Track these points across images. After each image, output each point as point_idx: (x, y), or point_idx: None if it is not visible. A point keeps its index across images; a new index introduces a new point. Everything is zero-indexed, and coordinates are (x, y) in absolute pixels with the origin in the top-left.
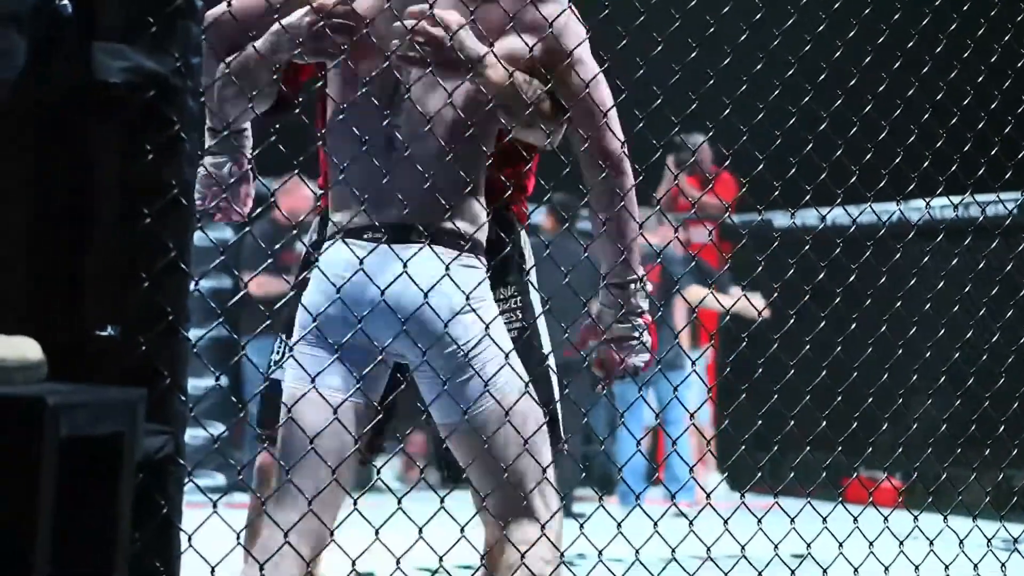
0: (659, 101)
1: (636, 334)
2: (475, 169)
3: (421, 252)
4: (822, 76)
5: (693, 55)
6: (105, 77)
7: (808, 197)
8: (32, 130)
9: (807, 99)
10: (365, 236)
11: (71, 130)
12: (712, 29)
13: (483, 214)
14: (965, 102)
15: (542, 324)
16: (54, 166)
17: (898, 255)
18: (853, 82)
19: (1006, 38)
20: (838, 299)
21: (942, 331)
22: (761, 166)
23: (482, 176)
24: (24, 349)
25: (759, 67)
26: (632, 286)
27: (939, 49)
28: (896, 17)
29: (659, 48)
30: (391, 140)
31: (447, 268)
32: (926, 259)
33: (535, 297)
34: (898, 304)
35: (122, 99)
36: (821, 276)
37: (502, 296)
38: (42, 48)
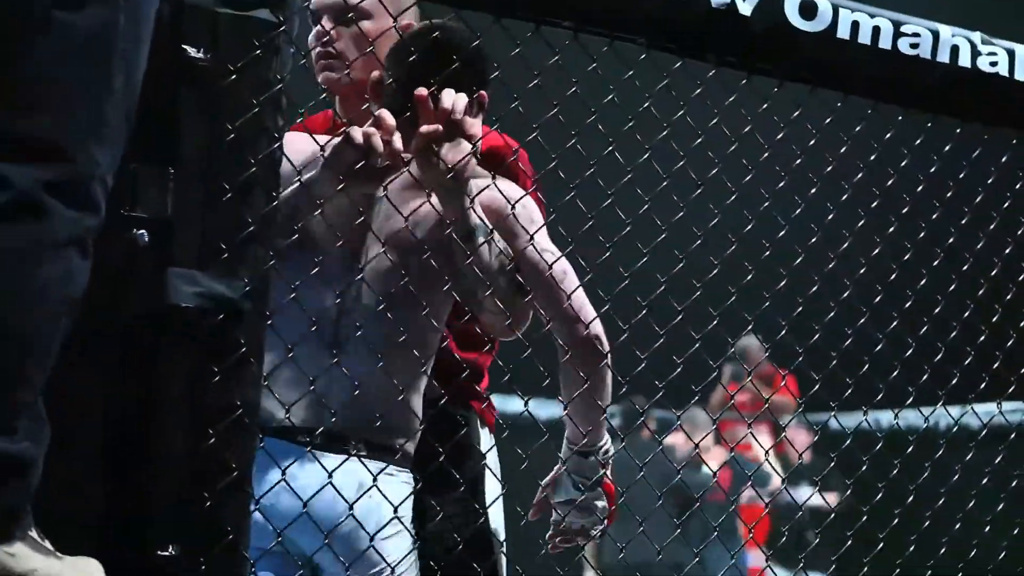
0: (697, 293)
1: (597, 502)
2: (426, 357)
3: (349, 463)
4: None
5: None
6: (178, 302)
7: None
8: (107, 351)
9: (879, 299)
10: (299, 440)
11: (143, 351)
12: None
13: (416, 421)
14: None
15: (500, 525)
16: (126, 386)
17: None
18: (893, 276)
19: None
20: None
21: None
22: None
23: (429, 365)
24: (89, 571)
25: (798, 261)
26: (596, 456)
27: (1008, 250)
28: (964, 221)
29: (698, 241)
30: (337, 329)
31: (374, 479)
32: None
33: (492, 498)
34: (971, 503)
35: (193, 322)
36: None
37: (455, 498)
38: (118, 274)
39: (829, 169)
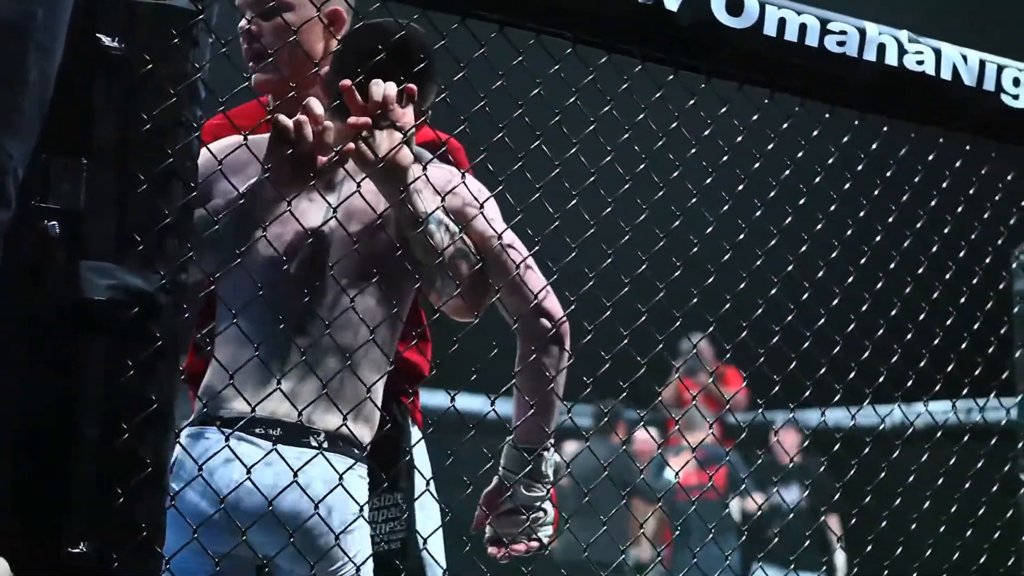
0: (660, 295)
1: (541, 505)
2: (388, 354)
3: (316, 459)
4: (820, 272)
5: (694, 250)
6: (91, 295)
7: (808, 394)
8: (18, 345)
9: (805, 296)
10: (257, 431)
11: (56, 345)
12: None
13: (377, 414)
14: (962, 300)
15: (431, 534)
16: (37, 380)
17: (895, 453)
18: (850, 279)
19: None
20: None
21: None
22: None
23: (391, 358)
24: None
25: (758, 263)
26: (544, 453)
27: (935, 248)
28: (891, 219)
29: (661, 242)
30: (305, 321)
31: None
32: (924, 457)
33: (423, 504)
34: (897, 501)
35: (106, 316)
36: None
37: (388, 503)
38: (30, 266)
39: (756, 166)
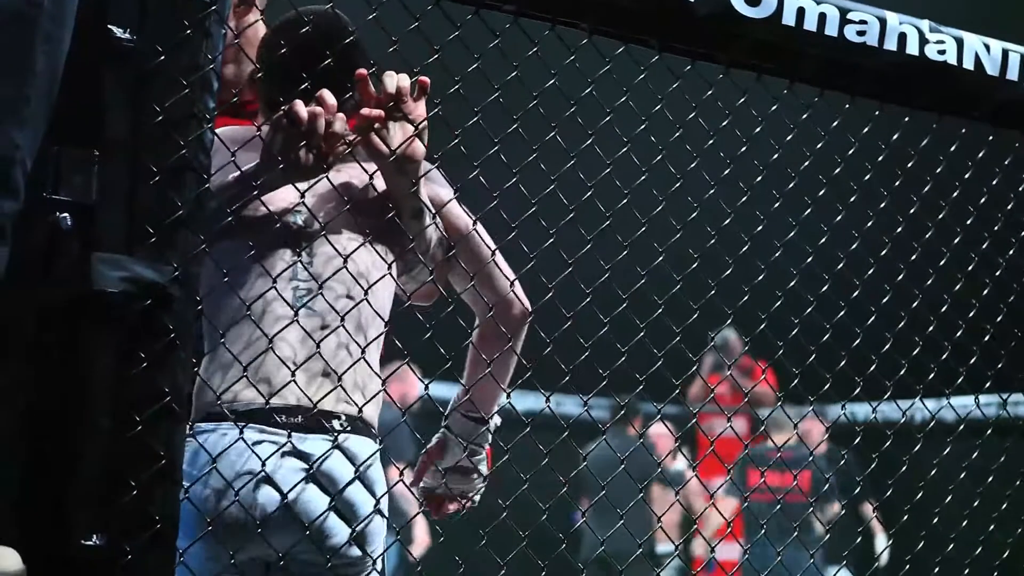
0: (678, 287)
1: (479, 467)
2: (384, 330)
3: (345, 443)
4: (839, 264)
5: (712, 242)
6: (102, 287)
7: (827, 387)
8: (30, 336)
9: (824, 288)
10: (282, 420)
11: (68, 337)
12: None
13: (381, 395)
14: (985, 292)
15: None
16: (49, 371)
17: (917, 446)
18: (870, 271)
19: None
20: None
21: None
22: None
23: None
24: (3, 560)
25: (778, 254)
26: (488, 424)
27: (956, 240)
28: (913, 211)
29: (678, 235)
30: (310, 306)
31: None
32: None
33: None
34: (919, 495)
35: (119, 308)
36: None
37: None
38: (42, 258)
39: (775, 157)
